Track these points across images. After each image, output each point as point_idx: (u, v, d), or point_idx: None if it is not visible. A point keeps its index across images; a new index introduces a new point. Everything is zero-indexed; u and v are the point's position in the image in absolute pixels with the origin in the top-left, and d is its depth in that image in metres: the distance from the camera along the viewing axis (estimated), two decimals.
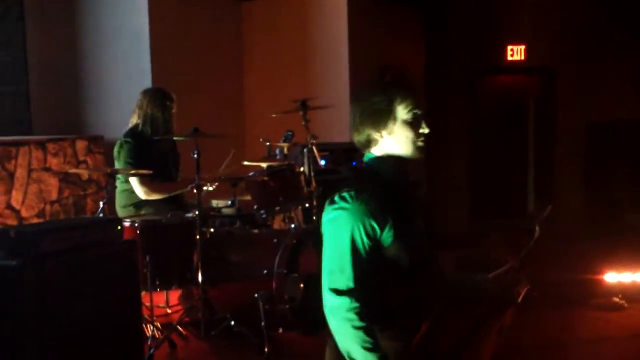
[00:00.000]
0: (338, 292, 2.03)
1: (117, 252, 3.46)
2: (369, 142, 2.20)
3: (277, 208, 4.63)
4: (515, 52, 8.28)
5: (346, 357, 2.04)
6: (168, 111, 4.66)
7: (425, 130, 2.18)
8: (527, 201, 8.62)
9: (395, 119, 2.16)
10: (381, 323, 2.06)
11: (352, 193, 2.07)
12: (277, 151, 5.16)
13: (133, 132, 4.66)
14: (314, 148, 5.02)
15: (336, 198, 2.09)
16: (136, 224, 4.11)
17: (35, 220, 5.14)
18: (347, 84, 6.69)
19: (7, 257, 2.99)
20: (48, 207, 5.37)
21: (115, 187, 4.58)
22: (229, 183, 4.65)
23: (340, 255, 2.05)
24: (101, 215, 4.07)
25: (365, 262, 2.05)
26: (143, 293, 3.92)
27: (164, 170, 4.69)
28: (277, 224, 5.06)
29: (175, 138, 4.67)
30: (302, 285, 4.13)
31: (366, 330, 2.00)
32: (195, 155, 4.21)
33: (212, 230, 4.43)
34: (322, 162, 5.56)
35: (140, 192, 4.52)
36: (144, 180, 4.49)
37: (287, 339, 4.21)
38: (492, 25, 8.28)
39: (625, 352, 4.20)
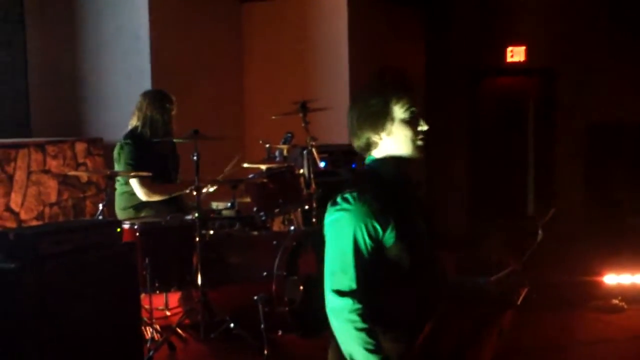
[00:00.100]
0: (340, 293, 2.02)
1: (116, 254, 3.46)
2: (368, 146, 2.20)
3: (277, 210, 4.63)
4: (516, 53, 8.28)
5: (348, 359, 2.04)
6: (168, 113, 4.66)
7: (424, 127, 2.17)
8: (527, 202, 8.63)
9: (392, 119, 2.15)
10: (384, 324, 2.06)
11: (355, 194, 2.07)
12: (277, 153, 5.16)
13: (133, 134, 4.65)
14: (313, 150, 5.02)
15: (338, 199, 2.09)
16: (136, 226, 4.11)
17: (34, 223, 5.14)
18: (347, 86, 6.69)
19: (6, 260, 3.00)
20: (47, 210, 5.36)
21: (114, 189, 4.58)
22: (229, 185, 4.65)
23: (343, 256, 2.05)
24: (100, 217, 4.07)
25: (368, 263, 2.04)
26: (142, 295, 3.92)
27: (163, 172, 4.69)
28: (277, 226, 5.06)
29: (175, 140, 4.67)
30: (301, 287, 4.13)
31: (368, 331, 1.99)
32: (195, 158, 4.21)
33: (211, 232, 4.43)
34: (322, 164, 5.57)
35: (141, 194, 4.52)
36: (145, 182, 4.48)
37: (287, 342, 4.21)
38: (493, 26, 8.28)
39: (624, 354, 4.20)
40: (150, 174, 4.39)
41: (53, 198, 5.42)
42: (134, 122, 4.70)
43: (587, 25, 7.95)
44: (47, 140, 5.51)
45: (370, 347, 1.99)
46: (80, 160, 5.68)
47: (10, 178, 5.05)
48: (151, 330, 4.10)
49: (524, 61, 8.30)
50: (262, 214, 4.53)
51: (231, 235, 4.53)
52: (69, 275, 3.15)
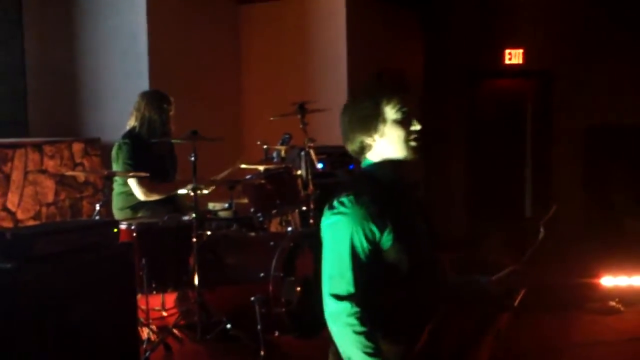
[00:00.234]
0: (338, 297, 2.02)
1: (113, 254, 3.46)
2: (362, 149, 2.20)
3: (274, 211, 4.62)
4: (514, 56, 8.30)
5: None
6: (165, 114, 4.66)
7: (416, 127, 2.16)
8: (525, 203, 8.64)
9: (384, 120, 2.15)
10: (383, 327, 2.05)
11: (351, 197, 2.07)
12: (275, 154, 5.15)
13: (131, 134, 4.65)
14: (311, 151, 5.02)
15: (335, 203, 2.09)
16: (133, 227, 4.10)
17: (31, 223, 5.13)
18: (345, 87, 6.69)
19: (2, 260, 2.99)
20: (44, 210, 5.35)
21: (112, 189, 4.58)
22: (226, 186, 4.65)
23: (340, 260, 2.04)
24: (97, 217, 4.06)
25: (366, 266, 2.04)
26: (139, 296, 3.91)
27: (161, 172, 4.69)
28: (274, 227, 5.05)
29: (173, 141, 4.67)
30: (298, 288, 4.12)
31: (367, 335, 1.99)
32: (193, 158, 4.21)
33: (208, 233, 4.43)
34: (320, 165, 5.56)
35: (139, 193, 4.52)
36: (143, 181, 4.49)
37: (284, 343, 4.20)
38: (491, 28, 8.30)
39: (621, 356, 4.20)
40: (147, 174, 4.39)
41: (50, 198, 5.41)
42: (132, 122, 4.70)
43: (585, 27, 7.97)
44: (44, 140, 5.51)
45: (369, 350, 1.98)
46: (78, 161, 5.68)
47: (7, 178, 5.05)
48: (147, 330, 4.09)
49: (521, 63, 8.32)
50: (259, 215, 4.52)
51: (228, 236, 4.53)
52: (65, 276, 3.14)
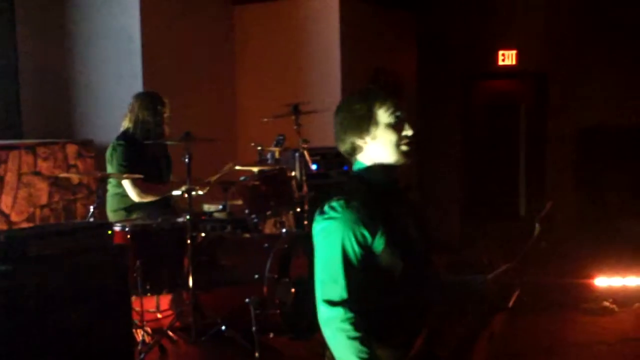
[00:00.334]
0: (332, 303, 2.02)
1: (107, 256, 3.45)
2: (354, 150, 2.20)
3: (269, 212, 4.63)
4: (507, 57, 8.31)
5: None
6: (159, 115, 4.65)
7: (408, 132, 2.17)
8: (519, 205, 8.65)
9: (377, 123, 2.15)
10: (378, 331, 2.05)
11: (342, 202, 2.07)
12: (269, 155, 5.15)
13: (125, 136, 4.65)
14: (305, 152, 5.02)
15: (326, 208, 2.09)
16: (127, 229, 4.10)
17: (25, 225, 5.11)
18: (339, 89, 6.69)
19: None
20: (38, 212, 5.34)
21: (106, 191, 4.57)
22: (221, 187, 4.65)
23: (332, 265, 2.04)
24: (91, 219, 4.06)
25: (358, 270, 2.04)
26: (133, 298, 3.90)
27: (156, 173, 4.68)
28: (269, 228, 5.05)
29: (167, 142, 4.66)
30: (293, 290, 4.13)
31: (361, 340, 1.99)
32: (187, 160, 4.20)
33: (203, 234, 4.43)
34: (314, 167, 5.57)
35: (133, 194, 4.51)
36: (137, 183, 4.48)
37: (278, 344, 4.20)
38: (484, 31, 8.31)
39: (615, 356, 4.21)
40: (141, 176, 4.38)
41: (44, 200, 5.40)
42: (126, 124, 4.70)
43: (579, 29, 7.99)
44: (38, 142, 5.49)
45: (364, 355, 1.98)
46: (71, 162, 5.67)
47: (1, 180, 5.03)
48: (142, 332, 4.08)
49: (515, 65, 8.34)
50: (253, 216, 4.52)
51: (223, 238, 4.52)
52: (59, 278, 3.14)
